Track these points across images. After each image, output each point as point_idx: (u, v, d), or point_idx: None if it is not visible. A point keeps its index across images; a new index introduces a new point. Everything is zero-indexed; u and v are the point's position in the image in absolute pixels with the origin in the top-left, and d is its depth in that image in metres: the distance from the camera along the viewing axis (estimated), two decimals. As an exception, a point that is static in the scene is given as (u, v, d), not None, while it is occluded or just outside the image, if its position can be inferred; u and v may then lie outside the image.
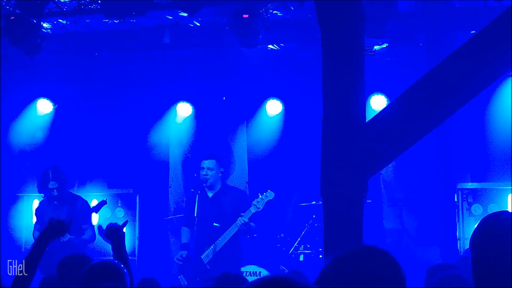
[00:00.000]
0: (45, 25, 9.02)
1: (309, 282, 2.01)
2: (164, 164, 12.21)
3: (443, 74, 5.01)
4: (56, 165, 9.60)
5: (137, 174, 11.93)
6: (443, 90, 4.98)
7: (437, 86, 5.01)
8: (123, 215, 11.61)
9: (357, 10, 5.02)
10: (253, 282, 1.92)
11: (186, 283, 8.89)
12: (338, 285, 2.33)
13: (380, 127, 5.06)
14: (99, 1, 8.37)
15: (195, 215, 8.88)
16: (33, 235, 9.55)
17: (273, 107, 12.02)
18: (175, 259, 9.18)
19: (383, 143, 5.03)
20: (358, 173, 4.98)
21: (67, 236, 8.90)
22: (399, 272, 2.39)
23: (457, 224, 9.11)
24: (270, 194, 8.95)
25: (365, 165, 5.00)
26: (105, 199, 9.29)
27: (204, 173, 9.16)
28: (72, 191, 9.59)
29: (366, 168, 5.03)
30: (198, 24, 9.76)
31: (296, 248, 10.48)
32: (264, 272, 9.69)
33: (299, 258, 10.46)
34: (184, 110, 12.26)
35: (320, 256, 10.27)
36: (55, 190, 9.24)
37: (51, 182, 9.22)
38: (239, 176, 11.65)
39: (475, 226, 2.64)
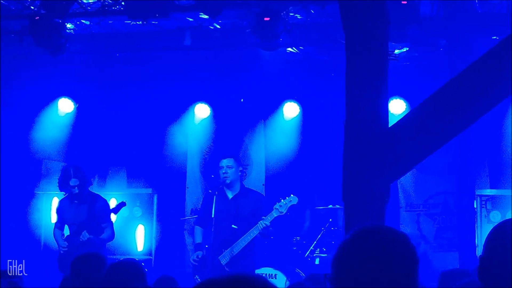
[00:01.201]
0: (68, 25, 9.09)
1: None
2: (182, 165, 12.25)
3: (466, 81, 5.00)
4: (77, 163, 9.63)
5: (155, 174, 11.99)
6: (466, 97, 4.97)
7: (460, 93, 5.00)
8: (140, 214, 11.67)
9: (383, 14, 5.02)
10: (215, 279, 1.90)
11: None
12: (351, 267, 2.35)
13: (403, 132, 5.05)
14: (123, 3, 8.42)
15: (213, 216, 8.89)
16: (53, 234, 9.58)
17: (291, 110, 12.03)
18: (191, 260, 9.19)
19: (406, 149, 5.03)
20: (380, 178, 4.98)
21: (87, 235, 8.95)
22: (410, 250, 2.39)
23: (476, 230, 9.06)
24: (294, 199, 8.94)
25: (387, 170, 5.00)
26: (124, 201, 9.32)
27: (223, 172, 9.16)
28: (91, 190, 9.59)
29: (388, 173, 5.03)
30: (219, 27, 9.80)
31: (312, 252, 10.48)
32: (280, 275, 9.69)
33: (315, 261, 10.46)
34: (202, 111, 12.30)
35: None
36: (76, 188, 9.23)
37: (72, 180, 9.22)
38: (256, 178, 11.66)
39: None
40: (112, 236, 9.34)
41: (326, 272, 2.49)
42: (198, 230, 9.37)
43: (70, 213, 9.39)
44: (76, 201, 9.36)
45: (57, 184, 9.45)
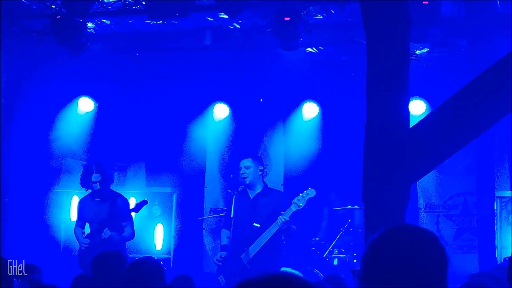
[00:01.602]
0: (89, 24, 9.13)
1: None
2: (201, 164, 12.28)
3: (488, 81, 4.98)
4: (99, 161, 9.66)
5: (174, 173, 12.01)
6: (488, 98, 4.95)
7: (482, 94, 4.98)
8: (159, 213, 11.71)
9: (404, 14, 5.00)
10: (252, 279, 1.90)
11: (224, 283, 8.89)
12: (380, 268, 2.35)
13: (423, 133, 5.04)
14: (143, 2, 8.45)
15: (232, 215, 8.87)
16: (74, 232, 9.61)
17: (310, 110, 12.02)
18: (214, 260, 9.16)
19: (427, 149, 5.02)
20: (400, 178, 4.97)
21: (108, 233, 8.99)
22: (440, 251, 2.39)
23: (495, 232, 9.00)
24: (311, 192, 8.90)
25: (408, 170, 4.99)
26: (145, 199, 9.34)
27: (242, 172, 9.16)
28: (112, 189, 9.62)
29: (408, 174, 5.02)
30: (238, 26, 9.80)
31: (331, 252, 10.46)
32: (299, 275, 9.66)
33: (333, 262, 10.44)
34: (221, 111, 12.33)
35: (355, 260, 10.24)
36: (97, 184, 9.25)
37: (94, 175, 9.23)
38: (275, 178, 11.66)
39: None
40: (132, 235, 9.37)
41: (353, 269, 2.49)
42: (224, 233, 9.32)
43: (91, 211, 9.42)
44: (97, 199, 9.37)
45: (79, 181, 9.47)
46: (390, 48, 4.98)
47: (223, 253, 9.07)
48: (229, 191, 9.26)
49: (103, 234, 8.98)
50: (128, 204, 9.48)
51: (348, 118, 10.82)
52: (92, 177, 9.26)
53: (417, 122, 5.17)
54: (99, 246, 8.53)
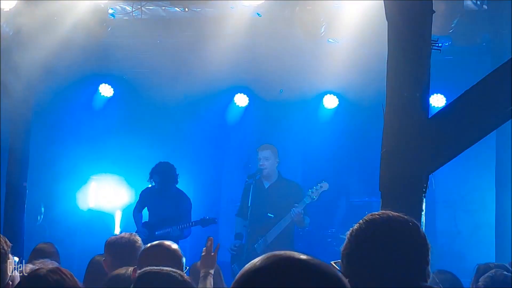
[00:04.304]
0: (110, 10, 9.13)
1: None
2: (219, 153, 12.30)
3: (508, 73, 4.93)
4: (162, 161, 9.79)
5: (192, 160, 12.02)
6: (508, 88, 4.91)
7: (502, 85, 4.94)
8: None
9: (426, 3, 4.97)
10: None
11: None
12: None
13: (442, 123, 5.01)
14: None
15: (249, 204, 8.89)
16: (133, 215, 9.82)
17: (330, 101, 12.00)
18: (229, 249, 9.21)
19: (445, 140, 4.99)
20: (418, 168, 4.95)
21: (167, 228, 9.17)
22: (422, 239, 2.35)
23: (513, 227, 8.92)
24: (325, 185, 8.90)
25: (426, 160, 4.97)
26: (215, 219, 9.57)
27: (260, 163, 9.19)
28: (178, 188, 9.80)
29: (426, 164, 4.99)
30: (260, 15, 9.76)
31: (347, 244, 10.43)
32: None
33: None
34: (241, 100, 12.35)
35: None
36: (159, 183, 9.55)
37: (154, 176, 9.57)
38: (293, 169, 11.65)
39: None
40: (188, 235, 9.62)
41: (333, 261, 2.45)
42: (238, 220, 9.37)
43: (154, 204, 9.60)
44: (162, 194, 9.62)
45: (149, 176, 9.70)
46: (411, 35, 4.95)
47: (238, 242, 9.11)
48: (247, 180, 9.27)
49: (168, 230, 9.22)
50: (191, 205, 9.67)
51: (367, 110, 10.76)
52: (154, 174, 9.57)
53: (436, 112, 5.14)
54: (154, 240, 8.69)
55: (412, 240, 2.32)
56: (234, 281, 1.74)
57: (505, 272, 4.87)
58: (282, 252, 1.74)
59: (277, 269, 1.67)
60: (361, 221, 2.37)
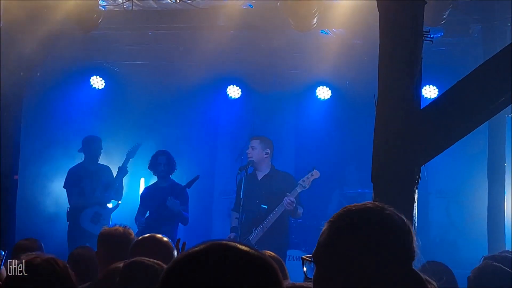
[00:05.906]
0: (100, 2, 9.07)
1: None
2: (211, 145, 12.28)
3: (501, 63, 4.92)
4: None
5: (185, 152, 11.99)
6: (500, 79, 4.90)
7: (494, 76, 4.93)
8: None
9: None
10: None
11: None
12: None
13: (434, 114, 5.01)
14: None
15: (241, 196, 8.87)
16: (135, 219, 9.70)
17: (323, 92, 11.99)
18: None
19: (437, 131, 4.98)
20: (411, 159, 4.94)
21: (172, 201, 9.33)
22: (406, 232, 2.26)
23: (506, 218, 8.93)
24: (315, 173, 8.86)
25: (418, 151, 4.96)
26: (198, 175, 9.56)
27: (247, 152, 9.20)
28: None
29: (418, 155, 4.98)
30: (252, 7, 9.71)
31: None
32: (307, 258, 9.64)
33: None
34: (233, 91, 12.33)
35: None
36: (162, 165, 9.65)
37: (160, 158, 9.71)
38: (286, 160, 11.63)
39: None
40: (187, 221, 9.64)
41: (305, 256, 2.39)
42: (234, 215, 9.33)
43: (153, 199, 9.63)
44: (160, 186, 9.69)
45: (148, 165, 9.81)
46: (403, 25, 4.93)
47: (233, 234, 9.08)
48: (239, 172, 9.25)
49: (167, 202, 9.29)
50: (187, 193, 9.71)
51: (360, 101, 10.74)
52: (158, 160, 9.72)
53: (428, 103, 5.13)
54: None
55: (393, 231, 2.24)
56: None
57: (495, 263, 4.86)
58: (223, 241, 1.74)
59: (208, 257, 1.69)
60: (339, 213, 2.30)
